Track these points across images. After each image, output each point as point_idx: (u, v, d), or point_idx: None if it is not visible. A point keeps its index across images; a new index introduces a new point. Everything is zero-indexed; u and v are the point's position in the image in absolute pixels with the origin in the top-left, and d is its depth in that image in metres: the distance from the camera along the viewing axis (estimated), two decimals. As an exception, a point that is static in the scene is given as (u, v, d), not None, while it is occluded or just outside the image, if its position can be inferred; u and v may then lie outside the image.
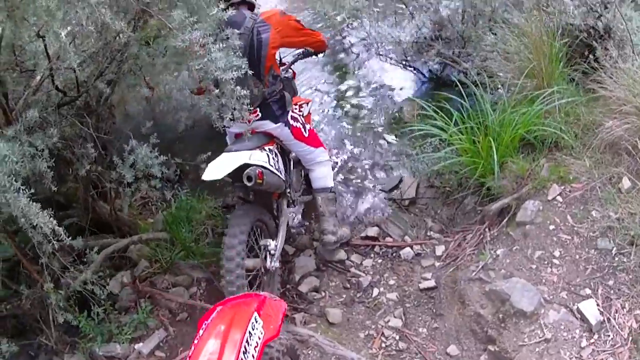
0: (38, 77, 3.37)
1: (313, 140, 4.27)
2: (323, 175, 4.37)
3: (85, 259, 3.63)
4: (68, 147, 3.69)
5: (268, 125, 3.94)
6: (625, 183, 3.70)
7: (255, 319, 2.22)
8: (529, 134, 4.29)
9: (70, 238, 2.90)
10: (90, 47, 3.50)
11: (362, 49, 7.55)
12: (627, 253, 3.43)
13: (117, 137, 4.16)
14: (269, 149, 3.92)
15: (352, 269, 4.51)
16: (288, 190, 4.22)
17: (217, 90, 3.18)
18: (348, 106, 6.73)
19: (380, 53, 7.05)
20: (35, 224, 2.69)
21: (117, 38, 3.32)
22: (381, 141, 5.97)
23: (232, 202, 4.19)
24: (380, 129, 6.17)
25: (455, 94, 4.93)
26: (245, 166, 3.53)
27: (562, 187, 3.93)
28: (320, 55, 4.61)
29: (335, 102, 6.80)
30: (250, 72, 3.23)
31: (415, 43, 6.26)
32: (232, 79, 3.09)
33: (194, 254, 4.40)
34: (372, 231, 4.78)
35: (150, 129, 3.72)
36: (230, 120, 3.31)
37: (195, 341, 2.15)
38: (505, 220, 4.12)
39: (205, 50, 3.01)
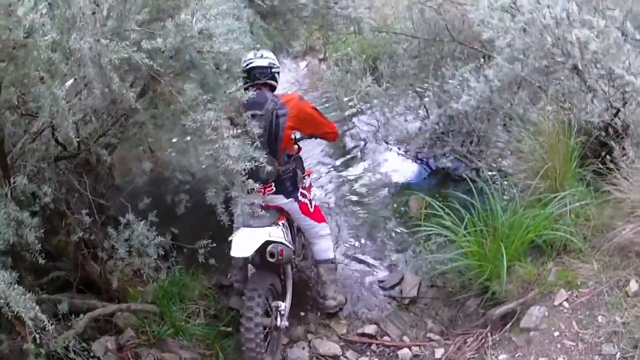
0: (41, 123, 3.32)
1: (317, 216, 4.80)
2: (325, 248, 4.89)
3: (68, 316, 3.75)
4: (63, 199, 3.82)
5: (280, 200, 4.46)
6: (633, 286, 3.79)
7: None
8: (538, 238, 4.41)
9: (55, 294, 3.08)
10: (95, 102, 3.47)
11: (370, 136, 7.98)
12: (631, 357, 3.48)
13: (114, 201, 4.36)
14: (282, 223, 4.45)
15: (347, 366, 4.59)
16: (293, 257, 4.70)
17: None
18: (352, 195, 7.05)
19: (388, 142, 7.42)
20: (15, 311, 2.71)
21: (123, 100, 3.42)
22: (384, 235, 6.21)
23: (227, 282, 4.95)
24: (384, 222, 6.43)
25: (463, 191, 5.18)
26: (267, 243, 4.10)
27: (569, 293, 4.02)
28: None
29: (338, 188, 7.14)
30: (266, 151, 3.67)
31: (426, 136, 6.54)
32: (245, 170, 3.18)
33: (184, 333, 4.49)
34: (370, 329, 4.87)
35: (149, 205, 3.93)
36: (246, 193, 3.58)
37: None
38: (508, 325, 4.18)
39: (218, 135, 3.06)
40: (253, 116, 3.77)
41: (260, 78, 4.31)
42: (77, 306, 3.86)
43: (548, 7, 4.56)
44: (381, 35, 7.00)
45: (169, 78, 3.13)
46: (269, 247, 4.11)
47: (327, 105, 9.16)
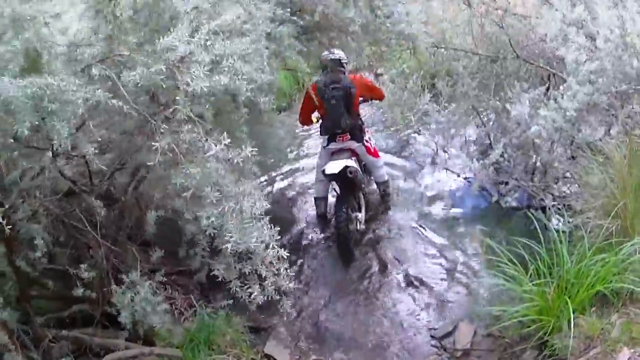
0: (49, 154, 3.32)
1: (375, 154, 7.11)
2: (382, 174, 7.23)
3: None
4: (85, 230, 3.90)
5: (353, 144, 6.73)
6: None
7: None
8: (605, 288, 4.29)
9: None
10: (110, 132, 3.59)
11: (427, 161, 8.22)
12: None
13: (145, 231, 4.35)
14: (354, 159, 6.64)
15: None
16: (363, 184, 6.94)
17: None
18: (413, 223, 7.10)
19: (448, 169, 7.60)
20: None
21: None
22: (438, 274, 6.18)
23: (264, 325, 5.66)
24: (440, 259, 6.40)
25: (523, 228, 5.14)
26: (346, 168, 6.19)
27: (632, 350, 3.88)
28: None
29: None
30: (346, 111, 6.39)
31: (490, 169, 6.37)
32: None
33: None
34: (418, 387, 4.72)
35: (169, 254, 4.00)
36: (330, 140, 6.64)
37: None
38: None
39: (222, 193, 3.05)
40: (334, 89, 6.31)
41: (334, 66, 6.41)
42: (98, 345, 3.97)
43: (632, 20, 4.44)
44: (439, 52, 6.88)
45: (158, 117, 3.17)
46: (349, 168, 6.21)
47: (382, 127, 9.39)
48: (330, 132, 6.58)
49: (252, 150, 2.97)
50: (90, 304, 4.41)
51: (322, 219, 7.11)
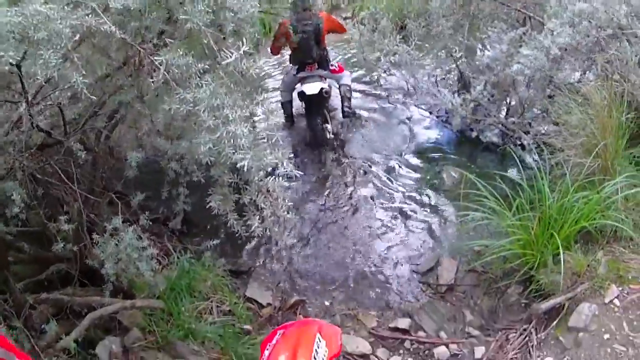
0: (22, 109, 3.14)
1: (341, 70, 7.88)
2: (345, 81, 7.90)
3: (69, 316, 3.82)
4: (60, 184, 3.83)
5: (322, 72, 7.56)
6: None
7: (319, 339, 2.62)
8: (589, 225, 4.40)
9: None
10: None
11: (399, 99, 8.40)
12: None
13: (119, 181, 4.38)
14: (324, 80, 7.56)
15: (378, 367, 4.60)
16: (328, 103, 8.08)
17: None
18: (379, 157, 7.33)
19: (419, 107, 7.80)
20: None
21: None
22: (417, 211, 6.26)
23: (244, 267, 5.70)
24: (416, 196, 6.49)
25: (499, 163, 5.29)
26: (322, 89, 7.23)
27: (620, 289, 4.03)
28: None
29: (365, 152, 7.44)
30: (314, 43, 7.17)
31: (470, 106, 6.45)
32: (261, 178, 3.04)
33: (194, 336, 4.42)
34: (403, 322, 4.84)
35: (142, 201, 3.92)
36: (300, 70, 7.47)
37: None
38: (555, 322, 4.19)
39: (220, 119, 2.84)
40: (305, 24, 6.98)
41: (303, 5, 7.06)
42: (79, 304, 3.89)
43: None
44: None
45: (147, 45, 2.99)
46: (324, 89, 7.27)
47: (355, 68, 9.41)
48: (300, 62, 7.48)
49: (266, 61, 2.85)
50: (68, 262, 4.29)
51: (289, 119, 8.17)
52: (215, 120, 2.79)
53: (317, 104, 7.55)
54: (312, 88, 7.29)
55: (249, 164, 2.76)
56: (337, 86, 8.01)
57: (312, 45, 7.19)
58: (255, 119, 3.53)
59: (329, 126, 7.97)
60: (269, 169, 2.98)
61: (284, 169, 2.91)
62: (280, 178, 3.15)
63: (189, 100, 2.74)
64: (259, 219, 3.23)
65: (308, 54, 7.29)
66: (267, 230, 3.27)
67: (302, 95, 7.39)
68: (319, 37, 7.26)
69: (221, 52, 2.76)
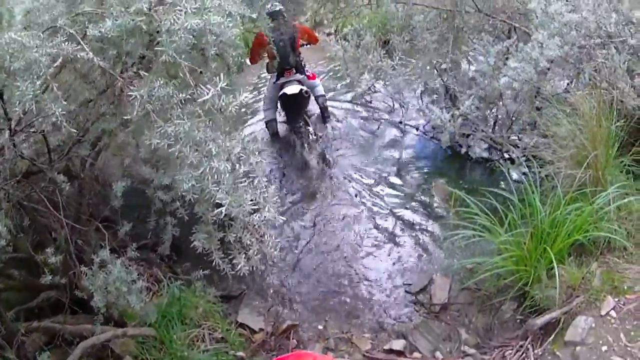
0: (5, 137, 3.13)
1: (314, 77, 8.53)
2: (319, 90, 8.64)
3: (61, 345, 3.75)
4: (47, 212, 3.74)
5: (299, 76, 8.06)
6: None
7: None
8: (583, 237, 4.36)
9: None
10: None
11: (386, 117, 8.47)
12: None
13: (105, 207, 4.29)
14: (303, 84, 8.04)
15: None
16: (306, 106, 8.66)
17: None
18: (366, 179, 7.20)
19: (406, 124, 7.79)
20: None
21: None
22: (407, 229, 6.20)
23: (235, 292, 5.61)
24: (407, 213, 6.43)
25: (488, 177, 5.18)
26: (301, 90, 7.79)
27: (616, 300, 3.98)
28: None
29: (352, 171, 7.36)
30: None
31: (459, 122, 6.40)
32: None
33: None
34: (398, 344, 4.77)
35: (130, 229, 3.88)
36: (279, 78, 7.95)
37: None
38: (551, 337, 4.14)
39: (203, 153, 2.80)
40: (281, 34, 7.44)
41: (278, 16, 7.43)
42: (71, 333, 3.86)
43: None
44: (393, 7, 6.86)
45: (126, 74, 2.95)
46: (303, 90, 7.83)
47: (340, 85, 9.71)
48: (280, 68, 8.00)
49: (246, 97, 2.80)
50: (58, 290, 4.22)
51: (275, 137, 8.57)
52: (197, 155, 2.74)
53: (297, 105, 8.14)
54: (292, 89, 7.83)
55: (228, 208, 2.74)
56: (315, 97, 8.66)
57: (289, 51, 7.82)
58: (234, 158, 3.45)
59: (310, 128, 8.41)
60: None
61: (268, 212, 2.86)
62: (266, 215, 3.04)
63: (170, 134, 2.68)
64: (244, 257, 3.15)
65: (286, 60, 7.88)
66: (254, 268, 3.17)
67: (283, 97, 7.93)
68: (294, 44, 7.91)
69: (198, 87, 2.71)
